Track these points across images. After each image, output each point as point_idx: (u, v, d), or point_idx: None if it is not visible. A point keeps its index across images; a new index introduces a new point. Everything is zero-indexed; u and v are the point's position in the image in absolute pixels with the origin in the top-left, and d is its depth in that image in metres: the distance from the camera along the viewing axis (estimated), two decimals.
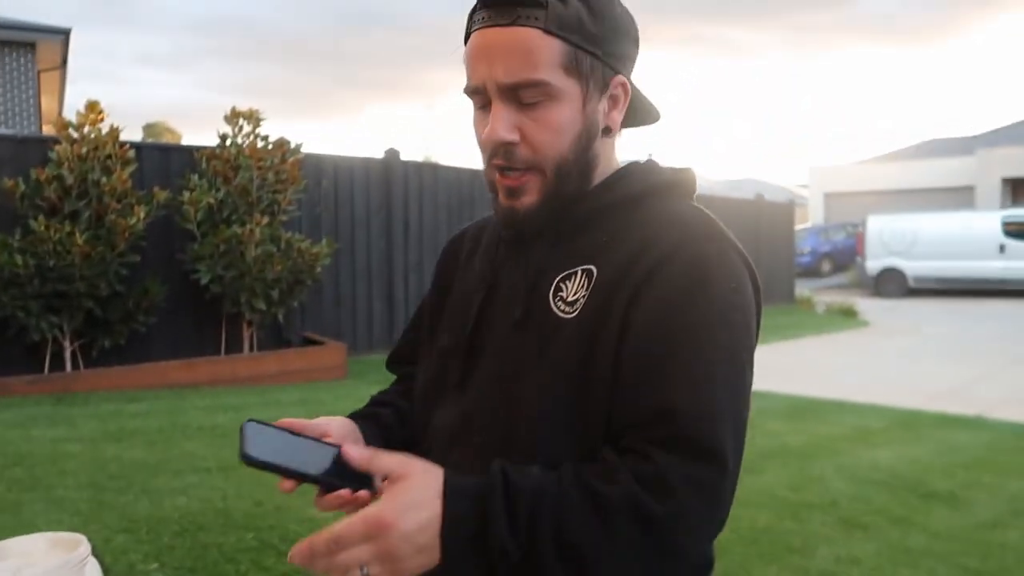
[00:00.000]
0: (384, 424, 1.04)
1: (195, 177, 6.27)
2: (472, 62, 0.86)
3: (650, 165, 0.96)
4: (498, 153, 0.86)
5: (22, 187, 5.54)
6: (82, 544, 1.06)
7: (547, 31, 0.83)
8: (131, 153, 5.90)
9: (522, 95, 0.83)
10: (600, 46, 0.86)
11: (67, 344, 5.72)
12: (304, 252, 6.47)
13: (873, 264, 16.91)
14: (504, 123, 0.84)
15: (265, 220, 6.21)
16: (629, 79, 0.92)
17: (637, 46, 0.93)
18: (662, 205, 0.91)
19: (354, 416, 1.04)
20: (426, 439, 0.99)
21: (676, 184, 0.94)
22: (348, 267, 7.68)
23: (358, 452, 0.80)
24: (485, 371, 0.92)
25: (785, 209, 14.50)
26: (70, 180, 5.57)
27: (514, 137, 0.85)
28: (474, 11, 0.86)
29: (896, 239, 16.74)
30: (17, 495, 3.17)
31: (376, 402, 1.10)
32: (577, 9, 0.85)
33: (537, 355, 0.87)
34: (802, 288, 15.56)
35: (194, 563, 2.49)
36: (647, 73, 0.95)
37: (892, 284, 16.65)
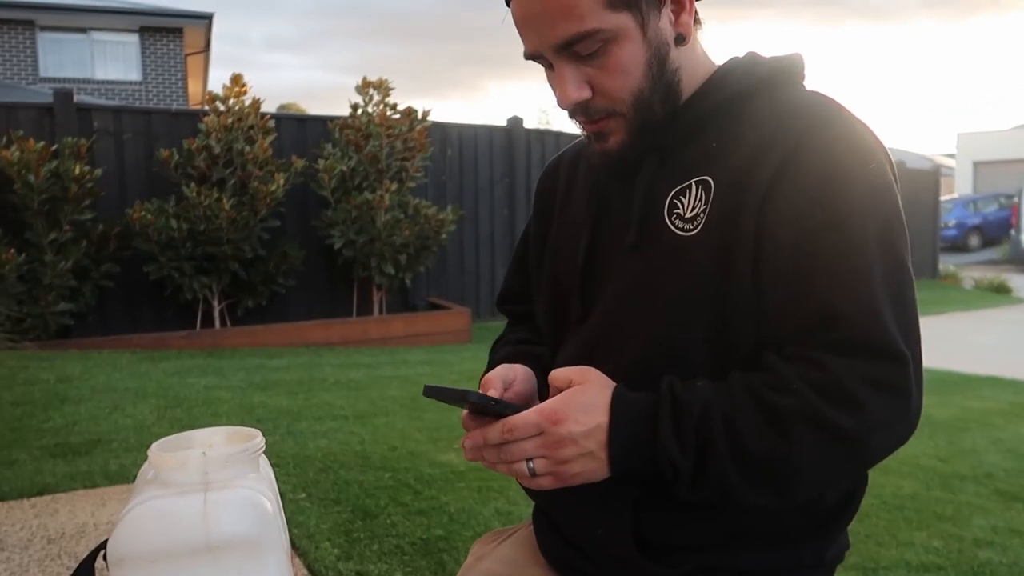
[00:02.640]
0: (544, 364, 1.00)
1: (329, 146, 6.54)
2: (520, 31, 0.83)
3: (751, 59, 0.89)
4: (576, 112, 0.85)
5: (176, 157, 5.95)
6: (257, 436, 1.14)
7: None
8: (271, 123, 6.21)
9: (578, 49, 0.80)
10: None
11: (215, 304, 6.13)
12: (431, 218, 6.63)
13: None
14: (572, 83, 0.82)
15: (394, 187, 6.40)
16: None
17: None
18: (772, 97, 0.84)
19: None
20: None
21: (783, 72, 0.87)
22: (472, 234, 7.81)
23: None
24: (606, 302, 0.89)
25: (928, 176, 13.52)
26: (217, 149, 5.93)
27: (585, 94, 0.82)
28: None
29: None
30: (178, 432, 3.44)
31: (522, 340, 1.07)
32: None
33: (661, 278, 0.83)
34: (947, 263, 14.51)
35: (337, 495, 2.63)
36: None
37: None
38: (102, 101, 12.24)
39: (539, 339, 1.05)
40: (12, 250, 5.27)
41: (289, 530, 2.26)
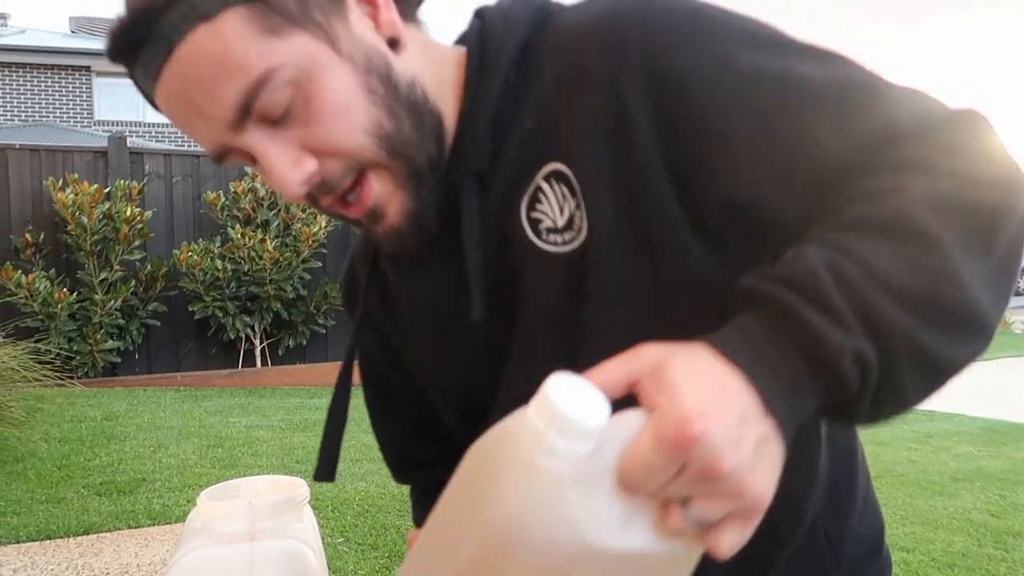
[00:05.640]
0: None
1: None
2: (188, 129, 0.60)
3: (498, 11, 0.65)
4: (318, 194, 0.61)
5: (222, 199, 6.12)
6: (303, 486, 1.16)
7: (205, 16, 0.55)
8: None
9: (262, 109, 0.57)
10: None
11: (257, 343, 6.24)
12: None
13: None
14: (283, 158, 0.58)
15: None
16: None
17: None
18: (555, 25, 0.63)
19: None
20: None
21: None
22: None
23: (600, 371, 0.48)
24: (514, 367, 0.66)
25: None
26: (262, 192, 6.09)
27: (309, 167, 0.59)
28: (130, 70, 0.60)
29: None
30: (219, 472, 3.49)
31: None
32: None
33: (582, 308, 0.60)
34: None
35: (375, 540, 2.63)
36: None
37: None
38: (153, 144, 12.68)
39: None
40: (65, 290, 5.45)
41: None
